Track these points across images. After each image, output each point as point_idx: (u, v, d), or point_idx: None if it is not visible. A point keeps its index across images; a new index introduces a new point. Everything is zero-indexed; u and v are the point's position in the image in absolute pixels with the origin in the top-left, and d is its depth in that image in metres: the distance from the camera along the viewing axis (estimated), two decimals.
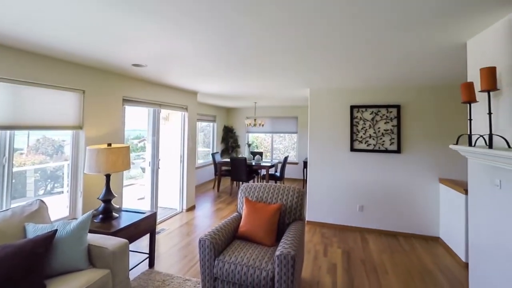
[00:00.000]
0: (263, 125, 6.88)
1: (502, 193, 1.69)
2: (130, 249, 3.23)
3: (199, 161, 7.73)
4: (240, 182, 6.73)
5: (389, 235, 4.09)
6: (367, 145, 4.23)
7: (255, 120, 6.73)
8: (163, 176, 5.08)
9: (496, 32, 1.74)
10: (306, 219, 4.50)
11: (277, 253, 2.07)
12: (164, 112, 5.08)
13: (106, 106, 3.32)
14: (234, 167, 6.16)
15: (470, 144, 1.83)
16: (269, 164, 6.26)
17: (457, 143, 1.92)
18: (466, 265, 3.13)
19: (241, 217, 2.81)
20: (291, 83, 4.06)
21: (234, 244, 2.49)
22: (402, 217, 4.09)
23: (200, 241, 2.29)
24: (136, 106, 3.85)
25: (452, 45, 2.22)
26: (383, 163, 4.18)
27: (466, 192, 3.16)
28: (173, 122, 5.09)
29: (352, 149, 4.26)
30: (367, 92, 4.29)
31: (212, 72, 3.43)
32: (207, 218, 4.70)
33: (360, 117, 4.28)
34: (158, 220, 4.38)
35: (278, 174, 6.41)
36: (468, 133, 1.89)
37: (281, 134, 8.79)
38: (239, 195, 3.04)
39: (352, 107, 4.30)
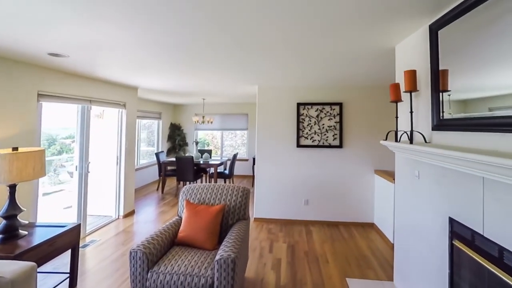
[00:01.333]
0: (212, 122, 6.67)
1: (420, 182, 1.85)
2: (47, 270, 2.80)
3: (142, 162, 7.17)
4: (188, 182, 6.43)
5: (331, 225, 4.31)
6: (312, 141, 4.38)
7: (203, 117, 6.47)
8: (95, 180, 4.54)
9: (417, 39, 1.88)
10: (254, 216, 4.49)
11: (217, 257, 1.96)
12: (97, 109, 4.52)
13: (14, 103, 2.76)
14: (180, 166, 5.84)
15: (396, 140, 1.96)
16: (217, 162, 6.09)
17: (386, 139, 2.05)
18: (393, 246, 3.45)
19: (181, 221, 2.62)
20: (239, 79, 3.96)
21: (172, 251, 2.30)
22: (342, 208, 4.35)
23: (131, 253, 2.04)
24: (57, 102, 3.31)
25: (382, 49, 2.37)
26: (327, 158, 4.38)
27: (395, 181, 3.47)
28: (109, 120, 4.56)
29: (298, 145, 4.36)
30: (313, 90, 4.43)
31: (154, 66, 3.13)
32: (149, 223, 4.35)
33: (306, 114, 4.40)
34: (88, 231, 3.88)
35: (227, 172, 6.30)
36: (395, 129, 2.03)
37: (233, 131, 8.67)
38: (180, 197, 2.84)
39: (299, 104, 4.39)
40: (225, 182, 6.76)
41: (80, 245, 3.44)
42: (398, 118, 2.08)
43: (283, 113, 4.44)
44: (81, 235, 3.69)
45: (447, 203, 1.51)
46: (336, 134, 4.38)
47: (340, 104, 4.37)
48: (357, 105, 4.38)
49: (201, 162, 6.18)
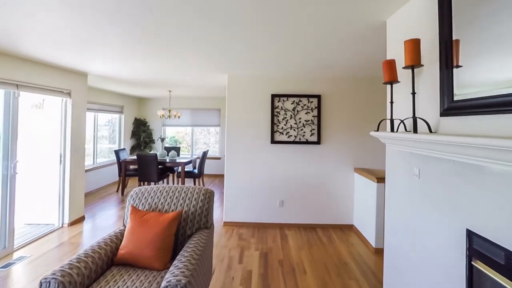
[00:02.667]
0: (179, 117, 6.06)
1: (421, 183, 1.49)
2: None
3: (101, 160, 6.38)
4: (153, 183, 5.78)
5: (308, 228, 3.95)
6: (288, 137, 3.98)
7: (169, 111, 5.84)
8: (32, 183, 3.80)
9: (419, 4, 1.52)
10: (224, 220, 4.01)
11: (163, 284, 1.46)
12: (35, 97, 3.77)
13: None
14: (141, 165, 5.19)
15: (392, 130, 1.59)
16: (184, 161, 5.52)
17: (377, 129, 1.68)
18: (375, 251, 3.16)
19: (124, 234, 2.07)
20: (206, 65, 3.45)
21: (108, 275, 1.76)
22: (320, 209, 4.01)
23: (41, 284, 1.48)
24: None
25: (370, 26, 2.01)
26: (304, 155, 4.01)
27: (378, 180, 3.17)
28: (52, 111, 3.83)
29: (273, 141, 3.95)
30: (289, 80, 4.03)
31: (99, 42, 2.54)
32: (100, 231, 3.70)
33: (281, 107, 3.99)
34: (17, 245, 3.17)
35: (196, 171, 5.74)
36: (389, 117, 1.66)
37: (206, 128, 8.09)
38: (127, 203, 2.29)
39: (273, 96, 3.97)
40: (194, 182, 6.20)
41: (2, 265, 2.75)
42: (393, 103, 1.71)
43: (256, 106, 3.99)
44: (6, 252, 3.00)
45: (464, 210, 1.15)
46: (313, 130, 4.02)
47: (318, 97, 4.02)
48: (336, 98, 4.05)
49: (167, 160, 5.57)
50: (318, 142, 4.00)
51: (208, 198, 2.29)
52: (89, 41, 2.54)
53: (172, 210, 2.19)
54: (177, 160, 5.59)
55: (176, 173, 5.83)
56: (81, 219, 4.10)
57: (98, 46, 2.72)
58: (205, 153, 5.72)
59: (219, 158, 7.53)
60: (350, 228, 3.96)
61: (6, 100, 3.03)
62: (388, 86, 1.73)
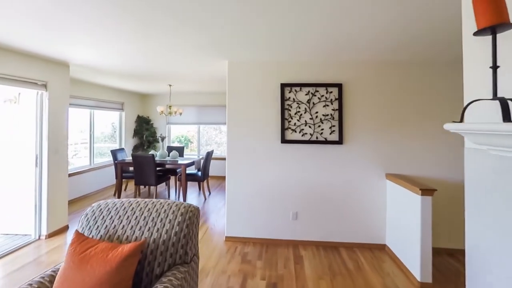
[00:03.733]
0: (181, 114, 5.46)
1: None
2: None
3: (102, 160, 5.92)
4: (152, 187, 5.22)
5: (329, 247, 3.21)
6: (302, 135, 3.25)
7: (170, 107, 5.26)
8: (5, 187, 3.32)
9: None
10: (226, 234, 3.35)
11: None
12: (6, 90, 3.28)
13: None
14: (137, 167, 4.63)
15: (505, 117, 0.84)
16: (186, 162, 4.92)
17: (461, 119, 0.94)
18: (421, 286, 2.38)
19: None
20: (202, 50, 2.81)
21: None
22: (343, 224, 3.25)
23: None
24: None
25: None
26: (322, 158, 3.27)
27: (423, 192, 2.38)
28: (28, 106, 3.33)
29: (284, 140, 3.23)
30: (303, 66, 3.30)
31: (72, 21, 1.95)
32: None
33: (294, 99, 3.26)
34: None
35: (199, 173, 5.12)
36: (492, 95, 0.91)
37: (217, 126, 7.50)
38: (78, 225, 1.67)
39: (284, 86, 3.25)
40: (199, 186, 5.60)
41: None
42: (465, 81, 0.96)
43: (263, 98, 3.29)
44: None
45: None
46: (334, 126, 3.27)
47: (339, 86, 3.26)
48: (362, 87, 3.28)
49: (168, 161, 4.99)
50: (339, 142, 3.24)
51: (189, 220, 1.63)
52: (66, 21, 1.96)
53: (136, 238, 1.54)
54: (179, 162, 5.00)
55: (178, 175, 5.24)
56: (64, 230, 3.58)
57: (75, 28, 2.14)
58: (209, 154, 5.09)
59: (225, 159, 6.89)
60: (382, 248, 3.17)
61: None
62: (485, 40, 0.98)
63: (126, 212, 1.66)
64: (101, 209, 1.70)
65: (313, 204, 3.27)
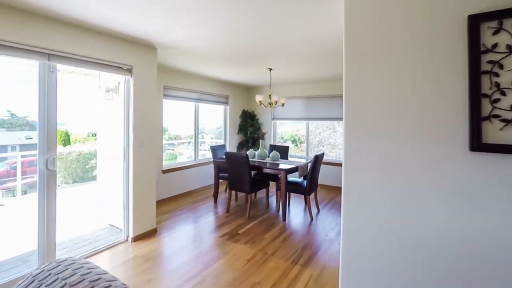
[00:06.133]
0: (283, 105, 4.37)
1: None
2: None
3: (209, 156, 5.68)
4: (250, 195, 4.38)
5: None
6: None
7: (269, 96, 4.28)
8: (109, 181, 3.19)
9: None
10: None
11: None
12: (107, 78, 3.14)
13: None
14: (231, 168, 3.88)
15: None
16: (287, 167, 3.77)
17: None
18: None
19: None
20: None
21: None
22: None
23: None
24: None
25: None
26: None
27: None
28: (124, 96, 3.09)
29: (479, 144, 1.44)
30: None
31: None
32: (158, 262, 2.55)
33: (507, 46, 1.45)
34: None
35: (305, 182, 3.87)
36: None
37: (331, 124, 6.12)
38: None
39: (478, 20, 1.46)
40: (305, 199, 4.38)
41: None
42: None
43: (422, 52, 1.55)
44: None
45: None
46: None
47: None
48: None
49: (267, 164, 4.02)
50: None
51: None
52: None
53: None
54: (280, 165, 3.94)
55: (278, 183, 4.20)
56: (151, 234, 3.18)
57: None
58: (318, 158, 3.75)
59: (341, 165, 5.31)
60: None
61: (42, 76, 2.30)
62: None
63: None
64: None
65: None
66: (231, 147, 6.09)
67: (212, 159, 4.98)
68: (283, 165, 3.93)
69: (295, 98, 5.90)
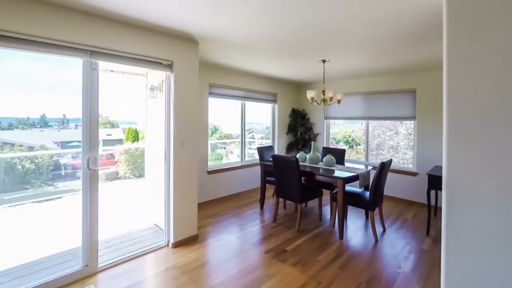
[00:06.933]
0: (339, 102, 3.76)
1: None
2: None
3: (257, 157, 5.37)
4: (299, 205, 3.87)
5: None
6: None
7: (323, 91, 3.71)
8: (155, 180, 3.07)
9: None
10: None
11: None
12: (152, 77, 3.02)
13: None
14: (278, 172, 3.46)
15: None
16: (345, 175, 3.18)
17: None
18: None
19: None
20: None
21: None
22: None
23: None
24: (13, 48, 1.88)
25: None
26: None
27: None
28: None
29: None
30: None
31: None
32: (211, 274, 2.28)
33: None
34: (103, 263, 2.38)
35: (367, 194, 3.23)
36: None
37: (392, 124, 5.29)
38: None
39: None
40: (366, 214, 3.74)
41: None
42: None
43: None
44: (88, 272, 2.26)
45: None
46: None
47: None
48: None
49: (320, 169, 3.50)
50: None
51: None
52: None
53: None
54: (335, 172, 3.37)
55: (333, 192, 3.63)
56: (191, 241, 2.95)
57: None
58: (385, 165, 3.08)
59: (414, 174, 4.43)
60: None
61: (85, 74, 2.21)
62: None
63: None
64: None
65: None
66: (279, 149, 5.67)
67: (258, 161, 4.63)
68: (340, 172, 3.35)
69: (352, 95, 5.19)
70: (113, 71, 3.93)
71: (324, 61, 3.67)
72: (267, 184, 4.20)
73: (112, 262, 2.48)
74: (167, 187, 2.83)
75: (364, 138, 5.34)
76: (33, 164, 4.73)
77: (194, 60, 2.88)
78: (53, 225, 3.46)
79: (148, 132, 3.48)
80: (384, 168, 3.05)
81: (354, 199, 3.18)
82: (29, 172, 4.95)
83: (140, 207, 4.00)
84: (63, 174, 5.13)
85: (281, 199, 4.17)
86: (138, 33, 2.43)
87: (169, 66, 2.67)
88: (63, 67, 3.19)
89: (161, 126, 2.88)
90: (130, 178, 6.61)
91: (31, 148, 5.21)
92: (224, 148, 7.60)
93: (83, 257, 2.30)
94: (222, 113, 5.05)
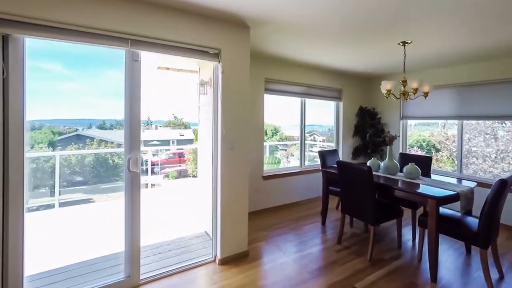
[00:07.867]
0: (426, 96, 2.88)
1: None
2: None
3: (318, 162, 4.79)
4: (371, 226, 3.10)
5: None
6: None
7: (403, 82, 2.89)
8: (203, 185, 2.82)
9: None
10: None
11: None
12: (201, 71, 2.76)
13: None
14: (344, 183, 2.82)
15: None
16: (441, 194, 2.35)
17: None
18: None
19: None
20: None
21: None
22: None
23: None
24: (47, 38, 1.75)
25: None
26: None
27: None
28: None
29: None
30: None
31: None
32: None
33: None
34: (145, 275, 2.20)
35: (474, 222, 2.33)
36: None
37: (485, 124, 4.10)
38: None
39: None
40: (466, 247, 2.81)
41: None
42: None
43: None
44: (129, 283, 2.12)
45: None
46: None
47: None
48: None
49: (399, 182, 2.73)
50: None
51: None
52: None
53: None
54: (421, 188, 2.56)
55: (419, 214, 2.78)
56: (240, 258, 2.58)
57: None
58: (507, 183, 2.15)
59: None
60: None
61: (128, 65, 2.01)
62: None
63: None
64: None
65: None
66: (344, 153, 4.93)
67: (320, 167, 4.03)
68: (429, 188, 2.52)
69: (440, 88, 4.13)
70: (168, 69, 3.84)
71: (405, 43, 2.87)
72: (330, 195, 3.57)
73: (155, 275, 2.26)
74: (214, 195, 2.51)
75: (448, 143, 4.21)
76: (120, 159, 5.44)
77: (245, 48, 2.49)
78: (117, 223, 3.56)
79: (200, 132, 3.25)
80: (505, 187, 2.14)
81: (452, 228, 2.33)
82: (117, 166, 5.60)
83: (194, 210, 3.84)
84: (144, 169, 5.55)
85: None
86: (181, 17, 2.15)
87: (216, 55, 2.33)
88: None
89: (209, 124, 2.58)
90: (196, 176, 7.08)
91: (119, 146, 5.91)
92: (285, 150, 7.18)
93: (125, 267, 2.13)
94: (280, 112, 4.61)
